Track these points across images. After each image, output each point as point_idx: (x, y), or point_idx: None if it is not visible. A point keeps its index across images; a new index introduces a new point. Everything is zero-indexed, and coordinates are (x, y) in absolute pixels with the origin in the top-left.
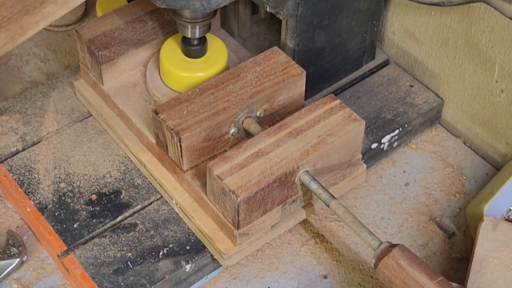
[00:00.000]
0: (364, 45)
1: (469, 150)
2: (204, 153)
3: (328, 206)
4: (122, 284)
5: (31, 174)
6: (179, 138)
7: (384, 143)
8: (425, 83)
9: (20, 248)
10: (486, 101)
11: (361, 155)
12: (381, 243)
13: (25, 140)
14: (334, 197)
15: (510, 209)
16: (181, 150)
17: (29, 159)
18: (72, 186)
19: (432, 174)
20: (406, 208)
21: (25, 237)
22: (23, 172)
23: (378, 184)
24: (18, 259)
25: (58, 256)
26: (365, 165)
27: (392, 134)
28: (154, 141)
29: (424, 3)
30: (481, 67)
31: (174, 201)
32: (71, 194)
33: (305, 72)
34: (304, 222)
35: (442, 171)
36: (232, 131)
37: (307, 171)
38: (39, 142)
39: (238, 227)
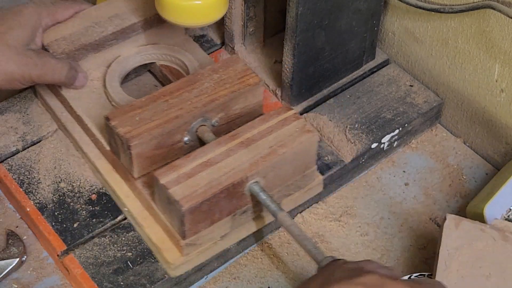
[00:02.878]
0: (364, 44)
1: (469, 150)
2: (156, 161)
3: (275, 218)
4: (122, 283)
5: (31, 174)
6: (129, 146)
7: (384, 143)
8: (425, 82)
9: (20, 248)
10: (486, 101)
11: (316, 167)
12: (325, 257)
13: (25, 140)
14: (282, 209)
15: (510, 209)
16: (131, 157)
17: (29, 158)
18: (72, 186)
19: (432, 174)
20: (406, 208)
21: (25, 237)
22: (23, 171)
23: (378, 184)
24: (17, 259)
25: (58, 256)
26: (321, 177)
27: (392, 134)
28: (108, 147)
29: (425, 9)
30: (481, 67)
31: (126, 209)
32: (71, 194)
33: (262, 81)
34: (304, 222)
35: (442, 171)
36: (185, 139)
37: (256, 182)
38: (39, 141)
39: (184, 237)
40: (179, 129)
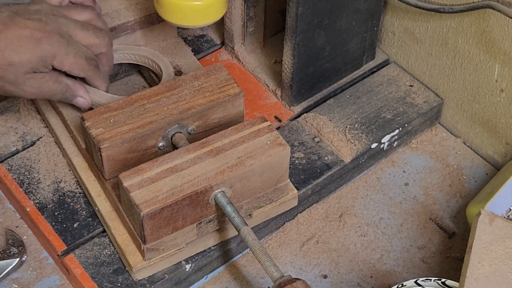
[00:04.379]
0: (364, 44)
1: (469, 150)
2: (128, 165)
3: (238, 232)
4: (122, 283)
5: (31, 174)
6: (99, 148)
7: (384, 143)
8: (425, 82)
9: (20, 248)
10: (486, 100)
11: (289, 181)
12: (281, 276)
13: (25, 140)
14: (246, 224)
15: (510, 209)
16: (101, 159)
17: (29, 158)
18: (72, 186)
19: (432, 174)
20: (406, 208)
21: (24, 237)
22: (23, 171)
23: (378, 184)
24: (17, 259)
25: (58, 255)
26: (296, 191)
27: (392, 134)
28: (84, 145)
29: (425, 9)
30: (481, 66)
31: (97, 208)
32: (71, 194)
33: (242, 92)
34: (303, 222)
35: (442, 171)
36: (160, 144)
37: (223, 192)
38: (39, 141)
39: (145, 242)
40: (153, 134)
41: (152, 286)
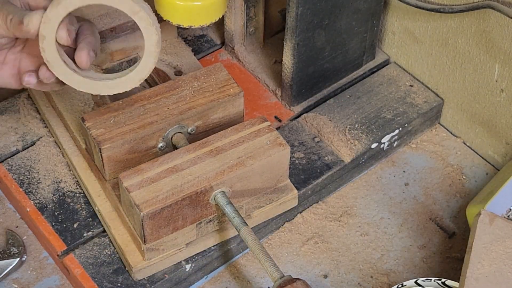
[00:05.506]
0: (364, 44)
1: (469, 150)
2: (129, 165)
3: (238, 232)
4: (122, 283)
5: (31, 174)
6: (100, 149)
7: (384, 143)
8: (425, 83)
9: (20, 248)
10: (486, 100)
11: (289, 181)
12: (282, 276)
13: (25, 140)
14: (246, 224)
15: (510, 209)
16: (102, 160)
17: (29, 158)
18: (72, 186)
19: (432, 174)
20: (406, 208)
21: (25, 237)
22: (23, 171)
23: (378, 184)
24: (17, 259)
25: (58, 255)
26: (296, 191)
27: (392, 134)
28: (84, 146)
29: (425, 9)
30: (481, 66)
31: (97, 208)
32: (71, 194)
33: (242, 92)
34: (304, 222)
35: (442, 171)
36: (160, 145)
37: (223, 192)
38: (39, 141)
39: (145, 242)
40: (154, 135)
41: (152, 286)
